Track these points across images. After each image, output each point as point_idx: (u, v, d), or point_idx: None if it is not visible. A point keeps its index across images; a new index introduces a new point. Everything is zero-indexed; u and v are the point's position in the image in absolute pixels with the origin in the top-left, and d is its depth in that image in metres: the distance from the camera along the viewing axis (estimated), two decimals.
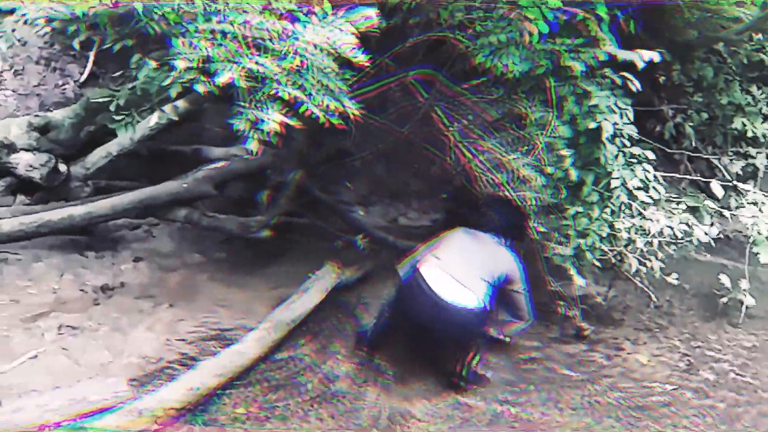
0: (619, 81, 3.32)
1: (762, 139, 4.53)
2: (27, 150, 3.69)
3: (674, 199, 3.65)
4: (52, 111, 3.96)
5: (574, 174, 3.34)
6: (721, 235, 4.19)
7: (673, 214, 3.49)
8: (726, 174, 4.45)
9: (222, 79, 2.28)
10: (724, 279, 3.95)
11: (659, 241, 3.48)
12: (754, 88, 4.54)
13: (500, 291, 3.08)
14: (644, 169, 3.40)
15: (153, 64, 2.52)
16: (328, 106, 2.47)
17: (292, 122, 2.40)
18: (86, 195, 3.83)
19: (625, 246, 3.51)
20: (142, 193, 3.65)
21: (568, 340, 3.68)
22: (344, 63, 2.61)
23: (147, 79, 2.63)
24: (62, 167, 3.76)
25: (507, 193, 3.36)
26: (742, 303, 3.90)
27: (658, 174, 3.51)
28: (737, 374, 3.48)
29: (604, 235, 3.45)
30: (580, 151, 3.39)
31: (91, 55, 3.98)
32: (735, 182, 4.04)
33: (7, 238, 3.31)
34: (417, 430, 2.83)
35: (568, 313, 3.67)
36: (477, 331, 3.06)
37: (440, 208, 4.57)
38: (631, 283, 3.80)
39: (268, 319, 3.17)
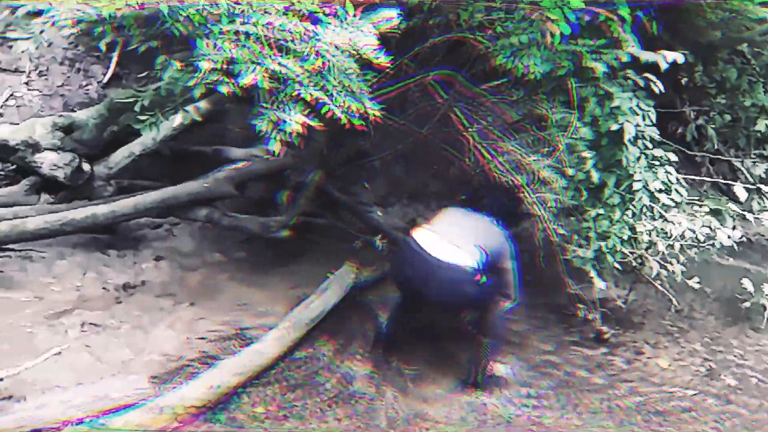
0: (641, 82, 3.29)
1: None
2: (51, 149, 3.74)
3: (696, 202, 3.61)
4: (76, 111, 4.02)
5: (595, 176, 3.32)
6: (744, 239, 4.12)
7: (696, 216, 3.45)
8: (749, 177, 4.39)
9: (245, 81, 2.30)
10: (747, 283, 3.88)
11: (681, 245, 3.44)
12: None
13: (491, 265, 3.05)
14: (666, 172, 3.37)
15: (178, 65, 2.55)
16: (349, 107, 2.48)
17: (313, 123, 2.42)
18: (109, 194, 3.87)
19: (646, 249, 3.48)
20: (164, 192, 3.68)
21: (587, 344, 3.65)
22: (365, 64, 2.61)
23: (171, 80, 2.65)
24: (86, 167, 3.81)
25: (506, 180, 3.34)
26: (764, 308, 3.83)
27: (680, 176, 3.48)
28: (760, 380, 3.44)
29: (625, 237, 3.42)
30: (601, 153, 3.37)
31: (115, 56, 4.03)
32: (758, 185, 3.98)
33: (31, 236, 3.35)
34: (434, 431, 2.83)
35: (587, 316, 3.64)
36: (470, 293, 2.97)
37: None
38: (652, 286, 3.76)
39: (287, 318, 3.18)
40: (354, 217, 4.34)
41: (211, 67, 2.31)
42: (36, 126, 3.75)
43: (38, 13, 2.57)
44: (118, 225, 3.79)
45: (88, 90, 4.29)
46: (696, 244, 3.47)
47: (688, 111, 4.54)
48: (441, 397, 3.07)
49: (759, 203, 3.96)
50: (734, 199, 3.78)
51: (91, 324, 3.09)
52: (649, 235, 3.40)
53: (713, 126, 4.52)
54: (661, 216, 3.42)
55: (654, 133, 3.36)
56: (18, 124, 3.88)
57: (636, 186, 3.33)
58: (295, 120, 2.40)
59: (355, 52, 2.53)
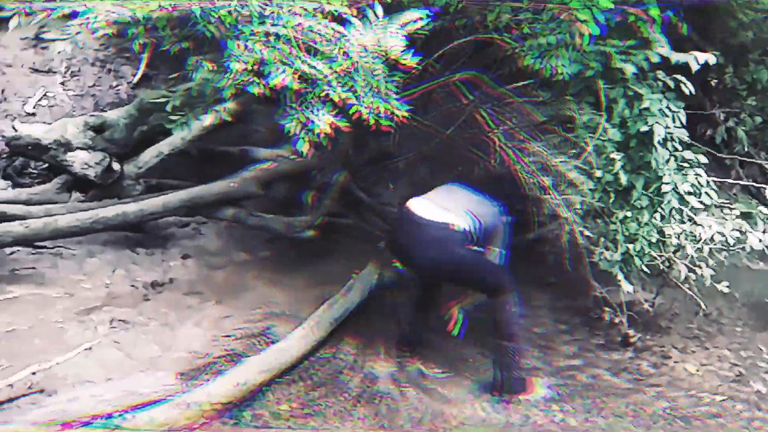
0: (671, 83, 3.25)
1: None
2: (82, 149, 3.82)
3: (727, 205, 3.55)
4: (106, 111, 4.10)
5: (623, 178, 3.27)
6: None
7: (726, 220, 3.40)
8: None
9: (275, 82, 2.32)
10: None
11: (710, 248, 3.38)
12: None
13: (483, 233, 3.06)
14: (696, 174, 3.32)
15: (209, 65, 2.58)
16: (377, 108, 2.49)
17: (341, 124, 2.43)
18: (138, 193, 3.93)
19: (675, 252, 3.43)
20: (192, 192, 3.73)
21: (613, 347, 3.61)
22: (392, 65, 2.62)
23: (203, 81, 2.69)
24: (116, 166, 3.88)
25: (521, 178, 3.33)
26: None
27: (710, 179, 3.42)
28: None
29: (653, 240, 3.37)
30: (630, 155, 3.33)
31: (145, 57, 4.10)
32: None
33: (63, 233, 3.42)
34: None
35: (613, 319, 3.60)
36: (457, 253, 2.97)
37: None
38: (680, 290, 3.69)
39: (311, 317, 3.20)
40: (378, 217, 4.35)
41: (242, 68, 2.33)
42: (68, 125, 3.83)
43: (72, 16, 2.62)
44: (146, 223, 3.85)
45: (118, 90, 4.37)
46: (726, 247, 3.42)
47: (717, 113, 4.47)
48: (464, 398, 3.06)
49: None
50: (765, 202, 3.71)
51: (120, 321, 3.15)
52: (678, 238, 3.35)
53: (743, 128, 4.45)
54: (690, 219, 3.37)
55: (683, 135, 3.31)
56: (50, 123, 3.97)
57: (665, 188, 3.28)
58: (324, 120, 2.42)
59: (382, 53, 2.53)
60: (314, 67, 2.38)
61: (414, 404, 2.95)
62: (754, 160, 4.61)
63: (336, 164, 4.08)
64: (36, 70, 4.40)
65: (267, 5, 2.44)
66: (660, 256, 3.43)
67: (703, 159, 3.39)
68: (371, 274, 3.64)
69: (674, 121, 3.26)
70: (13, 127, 3.97)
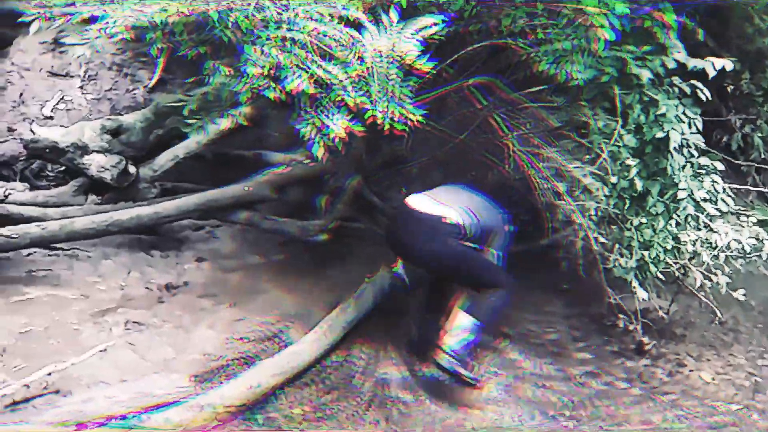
0: (687, 89, 3.23)
1: None
2: (99, 152, 3.85)
3: (743, 212, 3.52)
4: (123, 115, 4.13)
5: (638, 184, 3.25)
6: None
7: (742, 227, 3.37)
8: None
9: (291, 86, 2.33)
10: None
11: (726, 255, 3.36)
12: None
13: (480, 231, 3.06)
14: (713, 181, 3.29)
15: (225, 70, 2.61)
16: (392, 112, 2.50)
17: (356, 128, 2.44)
18: (153, 196, 3.96)
19: (690, 259, 3.41)
20: (206, 195, 3.75)
21: (627, 355, 3.59)
22: (407, 70, 2.63)
23: (219, 85, 2.71)
24: (132, 169, 3.91)
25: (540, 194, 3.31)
26: None
27: (726, 186, 3.39)
28: None
29: (669, 247, 3.34)
30: (645, 161, 3.31)
31: (161, 61, 4.13)
32: None
33: (78, 235, 3.44)
34: None
35: (628, 326, 3.56)
36: (448, 245, 2.98)
37: None
38: (695, 297, 3.67)
39: (324, 321, 3.21)
40: None
41: (259, 72, 2.35)
42: (85, 129, 3.86)
43: (90, 20, 2.65)
44: (161, 226, 3.88)
45: (134, 94, 4.41)
46: (742, 254, 3.39)
47: (734, 119, 4.45)
48: (476, 403, 3.05)
49: None
50: None
51: (134, 323, 3.17)
52: (694, 245, 3.32)
53: (760, 134, 4.43)
54: (706, 226, 3.34)
55: (699, 141, 3.28)
56: (68, 127, 4.00)
57: (680, 195, 3.25)
58: (339, 125, 2.43)
59: (397, 58, 2.54)
60: (329, 72, 2.39)
61: (426, 409, 2.95)
62: None
63: (349, 168, 4.09)
64: (54, 74, 4.45)
65: (285, 9, 2.46)
66: (675, 263, 3.40)
67: (720, 165, 3.36)
68: (384, 278, 3.64)
69: (690, 127, 3.23)
70: (31, 130, 4.01)
